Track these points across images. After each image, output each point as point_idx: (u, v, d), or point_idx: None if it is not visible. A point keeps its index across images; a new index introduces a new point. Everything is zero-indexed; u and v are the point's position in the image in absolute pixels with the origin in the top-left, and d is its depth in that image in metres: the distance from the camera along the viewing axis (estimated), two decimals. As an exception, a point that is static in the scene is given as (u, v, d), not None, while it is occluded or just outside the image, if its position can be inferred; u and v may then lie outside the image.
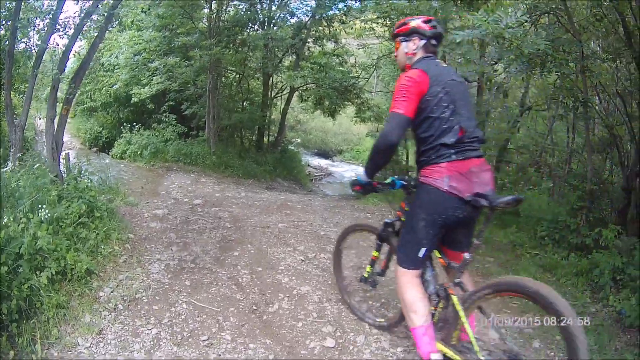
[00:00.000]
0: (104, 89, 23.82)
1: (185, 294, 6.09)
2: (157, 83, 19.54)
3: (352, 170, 30.29)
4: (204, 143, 19.88)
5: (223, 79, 21.74)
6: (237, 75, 22.37)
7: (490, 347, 3.78)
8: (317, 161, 33.92)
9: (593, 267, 7.60)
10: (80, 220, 6.58)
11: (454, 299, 3.91)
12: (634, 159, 9.80)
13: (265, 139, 23.84)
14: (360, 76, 20.53)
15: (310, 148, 37.91)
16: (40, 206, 5.95)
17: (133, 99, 20.66)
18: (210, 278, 6.64)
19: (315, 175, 28.91)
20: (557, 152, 15.81)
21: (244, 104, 23.15)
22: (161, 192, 12.82)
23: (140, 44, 20.55)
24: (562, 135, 16.47)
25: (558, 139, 16.46)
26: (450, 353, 3.88)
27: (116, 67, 22.51)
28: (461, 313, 3.82)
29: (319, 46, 21.77)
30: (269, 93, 22.70)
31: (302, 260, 7.61)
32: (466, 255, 3.95)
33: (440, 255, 4.25)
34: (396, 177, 4.66)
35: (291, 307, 5.94)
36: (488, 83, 13.82)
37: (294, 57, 21.69)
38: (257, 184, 18.27)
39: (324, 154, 37.48)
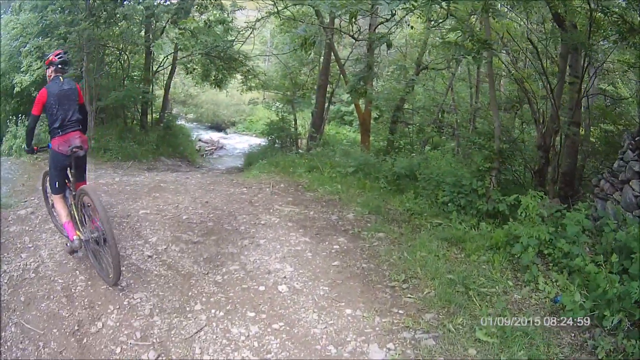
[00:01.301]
0: (-10, 83, 21.44)
1: (17, 312, 5.41)
2: (37, 68, 17.40)
3: (244, 142, 28.96)
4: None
5: (103, 56, 19.59)
6: (117, 52, 20.43)
7: (88, 225, 5.97)
8: (208, 135, 32.27)
9: (511, 240, 6.25)
10: None
11: (73, 204, 6.16)
12: (552, 115, 8.95)
13: (150, 117, 22.01)
14: (236, 39, 19.12)
15: (204, 122, 37.03)
16: None
17: (15, 88, 18.50)
18: (45, 289, 5.84)
19: (206, 150, 27.55)
20: (460, 111, 15.02)
21: (125, 81, 21.22)
22: (39, 188, 11.16)
23: (16, 28, 18.36)
24: (464, 95, 16.23)
25: (460, 99, 15.97)
26: (79, 234, 5.99)
27: (-7, 56, 20.32)
28: (73, 211, 6.15)
29: (200, 14, 20.08)
30: (151, 68, 20.94)
31: (149, 257, 6.74)
32: (72, 179, 6.28)
33: (69, 183, 6.36)
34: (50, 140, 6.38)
35: (117, 324, 5.15)
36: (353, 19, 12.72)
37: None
38: (138, 165, 16.64)
39: (217, 127, 36.05)
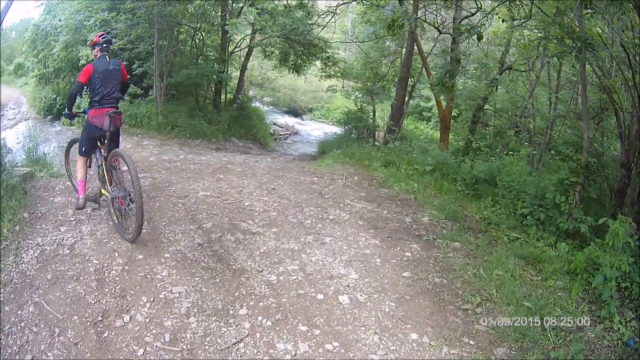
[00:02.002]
0: (57, 54, 21.91)
1: (41, 291, 5.15)
2: (104, 41, 17.62)
3: (320, 129, 29.23)
4: (151, 103, 18.07)
5: (177, 34, 19.87)
6: (192, 30, 20.49)
7: (116, 185, 6.53)
8: (284, 119, 32.12)
9: (590, 266, 5.82)
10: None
11: (103, 164, 6.71)
12: (637, 131, 8.17)
13: (224, 97, 22.53)
14: (315, 23, 18.95)
15: (280, 106, 36.41)
16: None
17: (81, 61, 18.66)
18: (77, 270, 5.58)
19: (280, 134, 27.40)
20: (538, 117, 14.46)
21: (199, 60, 21.15)
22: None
23: (81, 2, 18.42)
24: (543, 101, 15.63)
25: (539, 104, 15.37)
26: (105, 193, 6.66)
27: (57, 29, 20.78)
28: (103, 171, 6.71)
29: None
30: (227, 48, 20.90)
31: (199, 245, 6.49)
32: (104, 145, 6.73)
33: (102, 147, 6.83)
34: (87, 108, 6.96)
35: (146, 320, 4.86)
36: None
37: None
38: (207, 144, 16.78)
39: (294, 112, 35.76)
